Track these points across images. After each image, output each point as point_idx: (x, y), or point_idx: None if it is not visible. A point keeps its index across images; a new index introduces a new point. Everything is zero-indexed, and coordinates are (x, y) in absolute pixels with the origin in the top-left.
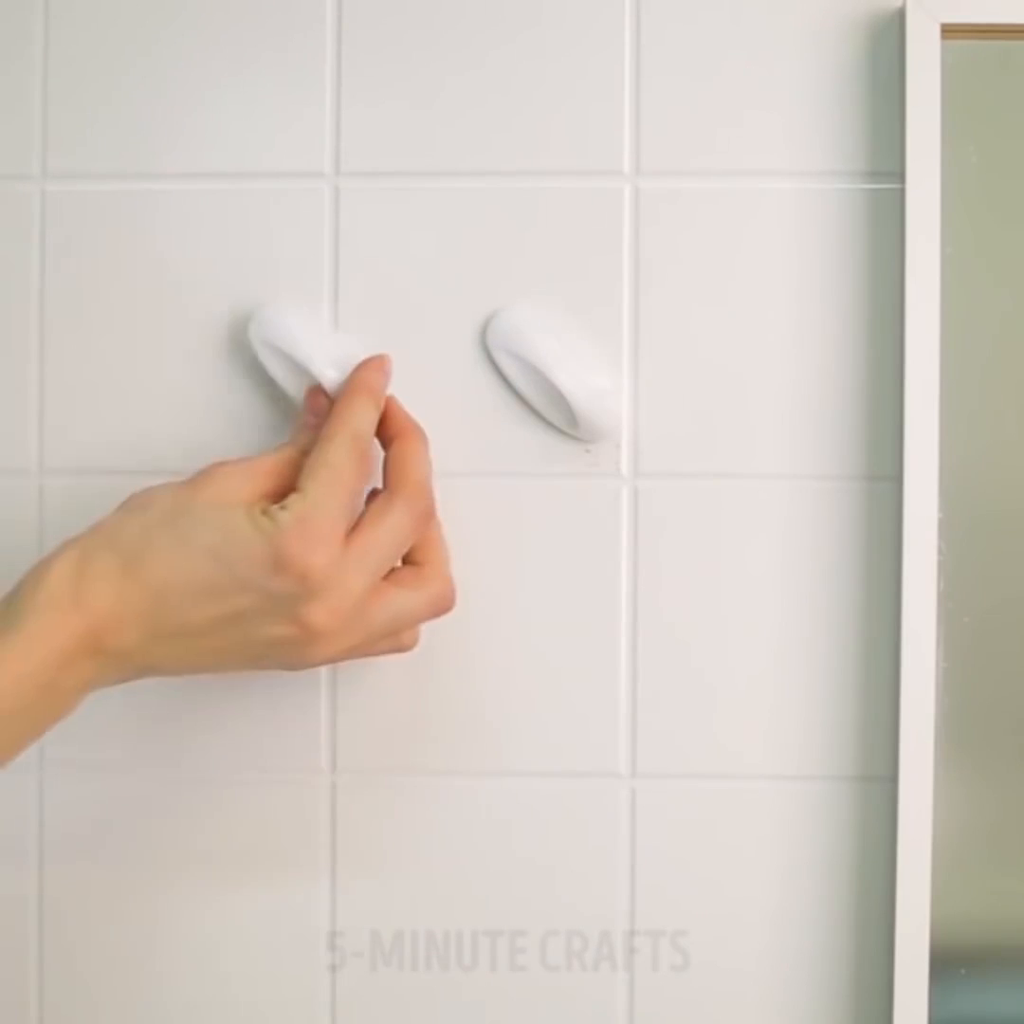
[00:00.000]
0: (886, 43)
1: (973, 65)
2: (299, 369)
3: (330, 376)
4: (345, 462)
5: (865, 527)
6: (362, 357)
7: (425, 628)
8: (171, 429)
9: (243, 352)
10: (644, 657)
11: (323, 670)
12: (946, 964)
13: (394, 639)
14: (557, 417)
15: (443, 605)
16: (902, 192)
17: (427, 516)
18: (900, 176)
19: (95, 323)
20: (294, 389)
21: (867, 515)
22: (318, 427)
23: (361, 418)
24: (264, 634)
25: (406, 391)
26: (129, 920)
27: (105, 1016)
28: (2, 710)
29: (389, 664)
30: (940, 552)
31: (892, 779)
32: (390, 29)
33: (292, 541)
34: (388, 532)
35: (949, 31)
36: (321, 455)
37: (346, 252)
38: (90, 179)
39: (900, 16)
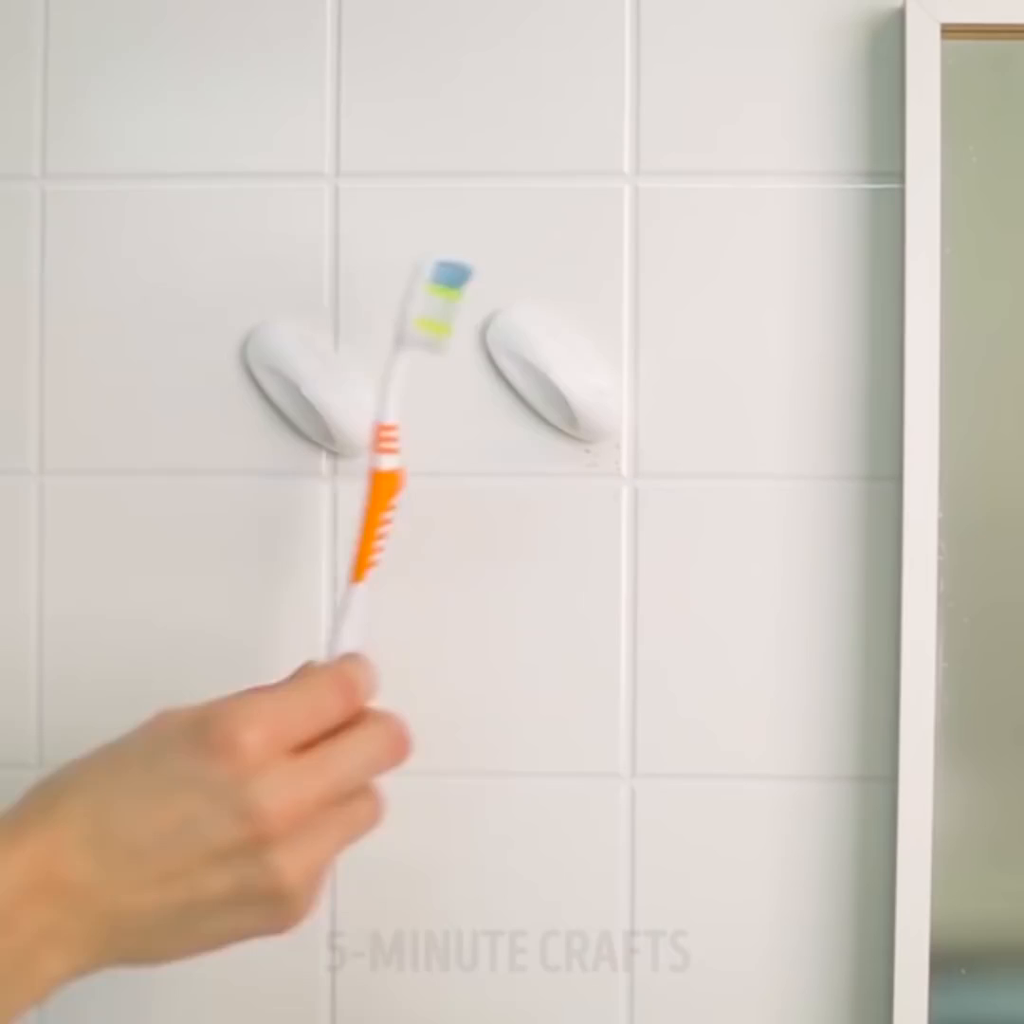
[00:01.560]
0: (886, 43)
1: (973, 65)
2: (293, 389)
3: (322, 398)
4: (319, 689)
5: (865, 527)
6: (355, 377)
7: (426, 628)
8: (171, 429)
9: (242, 352)
10: (644, 657)
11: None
12: (946, 964)
13: (350, 813)
14: (557, 417)
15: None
16: (902, 192)
17: (401, 747)
18: (900, 176)
19: (95, 323)
20: (289, 409)
21: (867, 515)
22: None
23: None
24: (216, 841)
25: (406, 390)
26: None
27: (105, 1015)
28: None
29: (389, 664)
30: (940, 552)
31: (892, 779)
32: (389, 31)
33: (217, 722)
34: (351, 746)
35: (949, 31)
36: (300, 680)
37: (346, 252)
38: (90, 179)
39: (900, 16)
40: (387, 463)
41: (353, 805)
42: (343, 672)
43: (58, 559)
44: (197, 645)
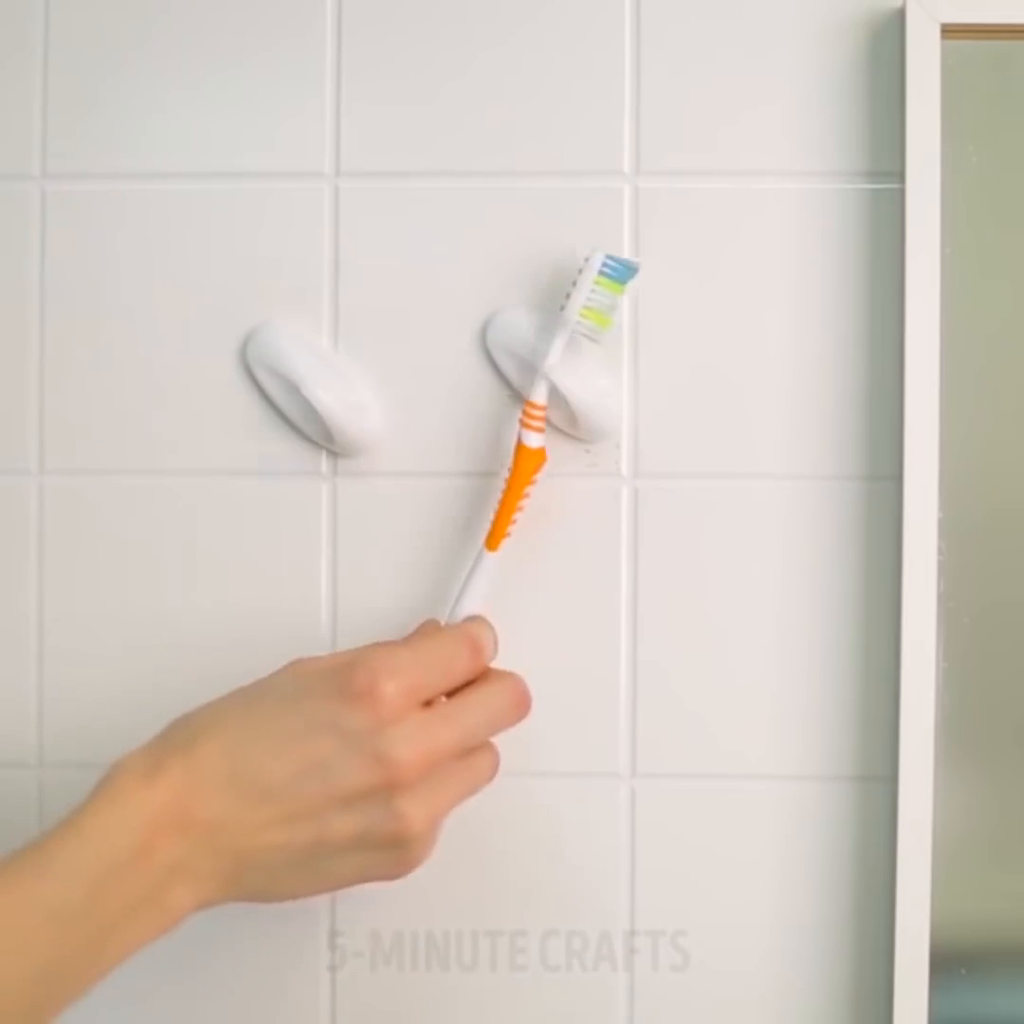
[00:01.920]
0: (886, 43)
1: (973, 65)
2: (293, 389)
3: (322, 398)
4: (452, 648)
5: (865, 527)
6: (355, 378)
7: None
8: (171, 428)
9: (242, 352)
10: (644, 657)
11: None
12: (946, 964)
13: (472, 766)
14: (557, 417)
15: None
16: (902, 192)
17: (524, 703)
18: (900, 176)
19: (95, 323)
20: (289, 409)
21: (867, 515)
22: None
23: (483, 636)
24: (347, 784)
25: (406, 391)
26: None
27: (104, 1015)
28: (81, 917)
29: None
30: (940, 552)
31: (892, 779)
32: (390, 30)
33: (360, 671)
34: (479, 701)
35: (949, 31)
36: (432, 637)
37: (346, 252)
38: (90, 179)
39: (900, 16)
40: (533, 440)
41: (475, 758)
42: (471, 632)
43: (58, 559)
44: (197, 645)
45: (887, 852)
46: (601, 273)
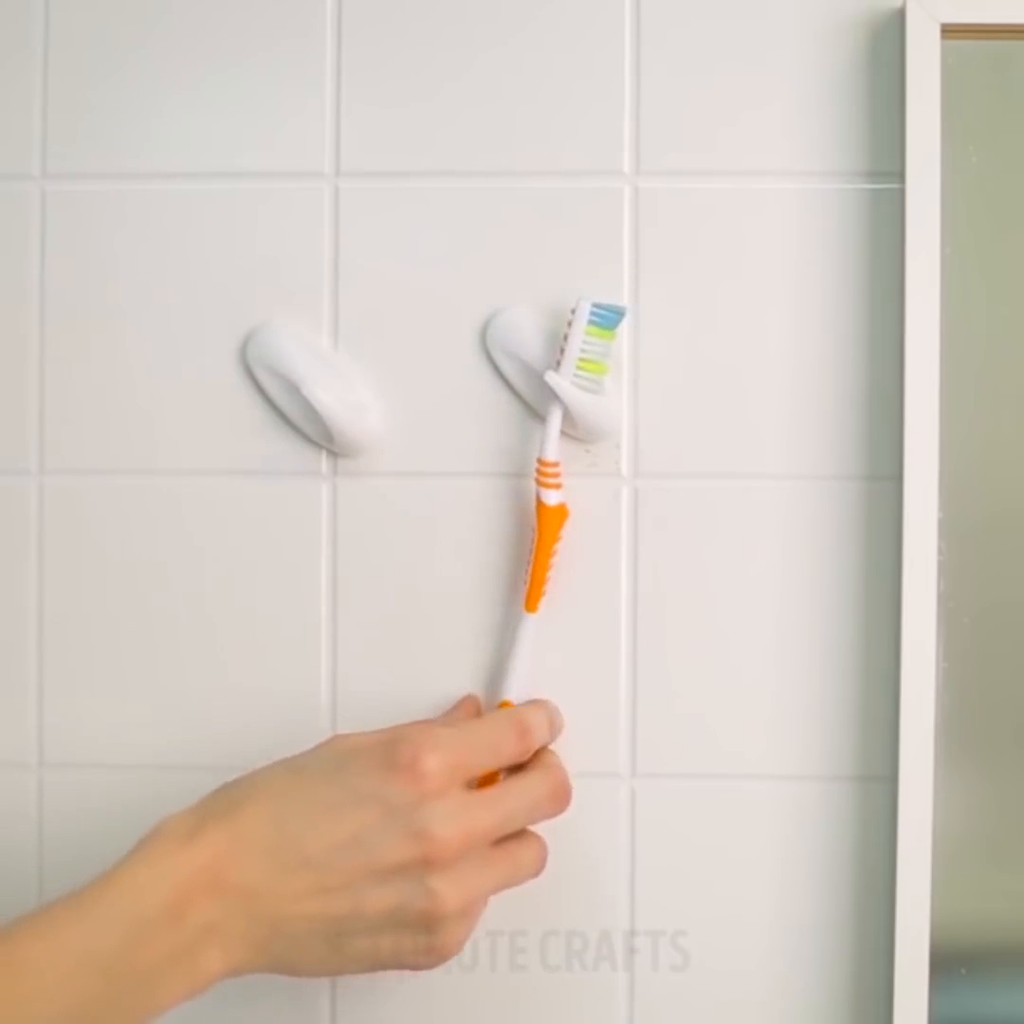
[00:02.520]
0: (886, 43)
1: (973, 65)
2: (293, 389)
3: (322, 398)
4: (499, 730)
5: (865, 527)
6: (355, 378)
7: (435, 625)
8: (171, 429)
9: (242, 352)
10: (644, 657)
11: (323, 662)
12: (946, 964)
13: (513, 856)
14: None
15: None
16: (902, 192)
17: (564, 796)
18: (900, 176)
19: (95, 323)
20: (289, 409)
21: (867, 515)
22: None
23: (536, 722)
24: (384, 858)
25: (406, 391)
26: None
27: None
28: (113, 967)
29: (388, 664)
30: (940, 552)
31: (892, 779)
32: (390, 30)
33: (404, 745)
34: (521, 788)
35: (949, 31)
36: (480, 719)
37: (346, 252)
38: (90, 179)
39: (900, 16)
40: (552, 498)
41: (518, 849)
42: (522, 716)
43: (58, 559)
44: (197, 644)
45: (887, 852)
46: (590, 322)
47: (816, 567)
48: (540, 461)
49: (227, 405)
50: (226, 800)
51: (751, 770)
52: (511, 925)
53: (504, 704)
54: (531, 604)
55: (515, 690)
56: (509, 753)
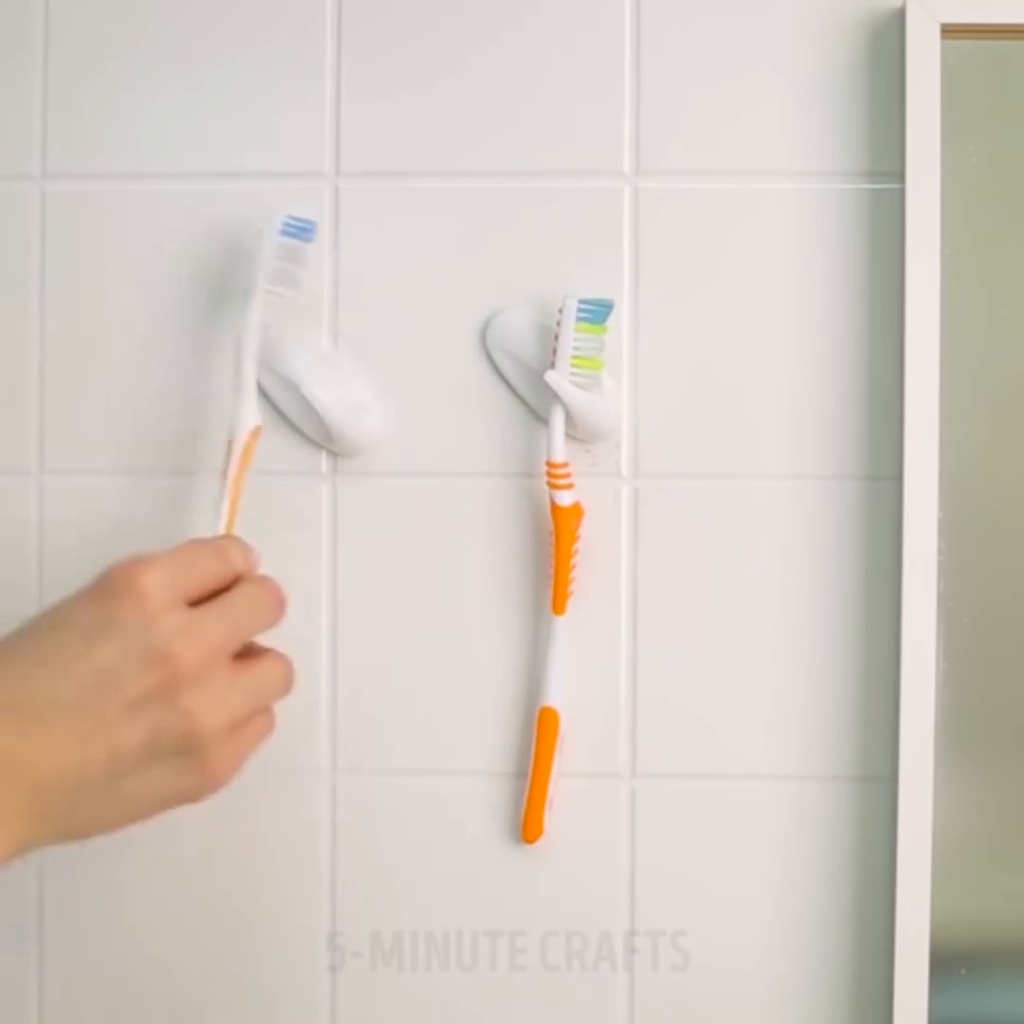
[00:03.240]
0: (886, 43)
1: (973, 65)
2: (293, 389)
3: (322, 398)
4: (197, 549)
5: (865, 527)
6: (355, 378)
7: (435, 625)
8: (171, 429)
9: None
10: (644, 657)
11: (323, 662)
12: (946, 964)
13: (259, 672)
14: None
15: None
16: (902, 192)
17: (280, 600)
18: (900, 176)
19: (95, 323)
20: (289, 409)
21: (867, 515)
22: None
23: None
24: (130, 689)
25: (406, 391)
26: (129, 920)
27: (104, 1014)
28: None
29: (389, 664)
30: (940, 552)
31: (892, 779)
32: (390, 30)
33: (116, 571)
34: (240, 596)
35: (949, 31)
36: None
37: (346, 252)
38: (90, 179)
39: (900, 16)
40: (565, 499)
41: (260, 665)
42: (214, 540)
43: (59, 559)
44: None
45: (887, 852)
46: (579, 319)
47: (816, 567)
48: (549, 463)
49: (226, 405)
50: None
51: (751, 770)
52: (511, 925)
53: (546, 709)
54: (558, 607)
55: (555, 695)
56: (213, 571)
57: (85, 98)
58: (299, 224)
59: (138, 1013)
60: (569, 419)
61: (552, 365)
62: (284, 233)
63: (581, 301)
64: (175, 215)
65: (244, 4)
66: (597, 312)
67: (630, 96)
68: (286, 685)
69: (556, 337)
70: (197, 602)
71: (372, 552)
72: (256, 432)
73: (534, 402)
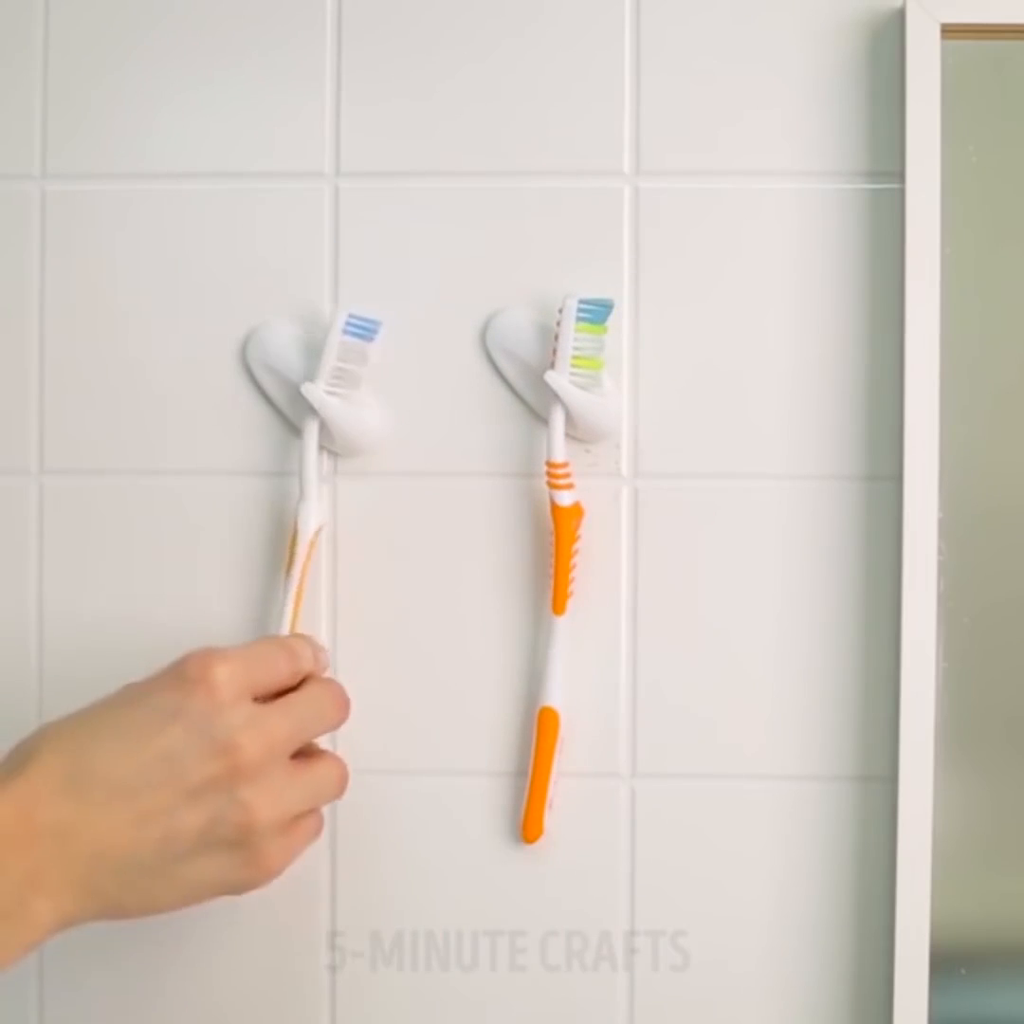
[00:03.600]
0: (886, 43)
1: (973, 65)
2: (293, 389)
3: (322, 398)
4: (271, 649)
5: (865, 527)
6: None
7: (434, 625)
8: (171, 428)
9: (242, 352)
10: (644, 657)
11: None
12: (946, 964)
13: (313, 774)
14: None
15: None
16: (902, 192)
17: (344, 704)
18: (900, 176)
19: (95, 323)
20: (289, 409)
21: (867, 515)
22: None
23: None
24: (193, 774)
25: (406, 391)
26: (128, 919)
27: (104, 1014)
28: None
29: (389, 664)
30: (940, 552)
31: (892, 779)
32: (390, 30)
33: (190, 660)
34: (306, 697)
35: (949, 31)
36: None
37: (346, 252)
38: (90, 179)
39: (900, 16)
40: (565, 499)
41: (318, 766)
42: (286, 641)
43: (58, 559)
44: (197, 644)
45: (887, 852)
46: (579, 319)
47: (816, 567)
48: (549, 463)
49: (227, 405)
50: (22, 749)
51: (751, 770)
52: (511, 925)
53: (546, 709)
54: (558, 607)
55: (555, 695)
56: (283, 670)
57: (85, 98)
58: (363, 324)
59: (136, 1011)
60: (569, 419)
61: (552, 365)
62: (347, 332)
63: (581, 301)
64: (175, 215)
65: (244, 4)
66: (597, 312)
67: (630, 96)
68: (340, 788)
69: (556, 337)
70: (265, 698)
71: (372, 552)
72: (319, 530)
73: (534, 402)
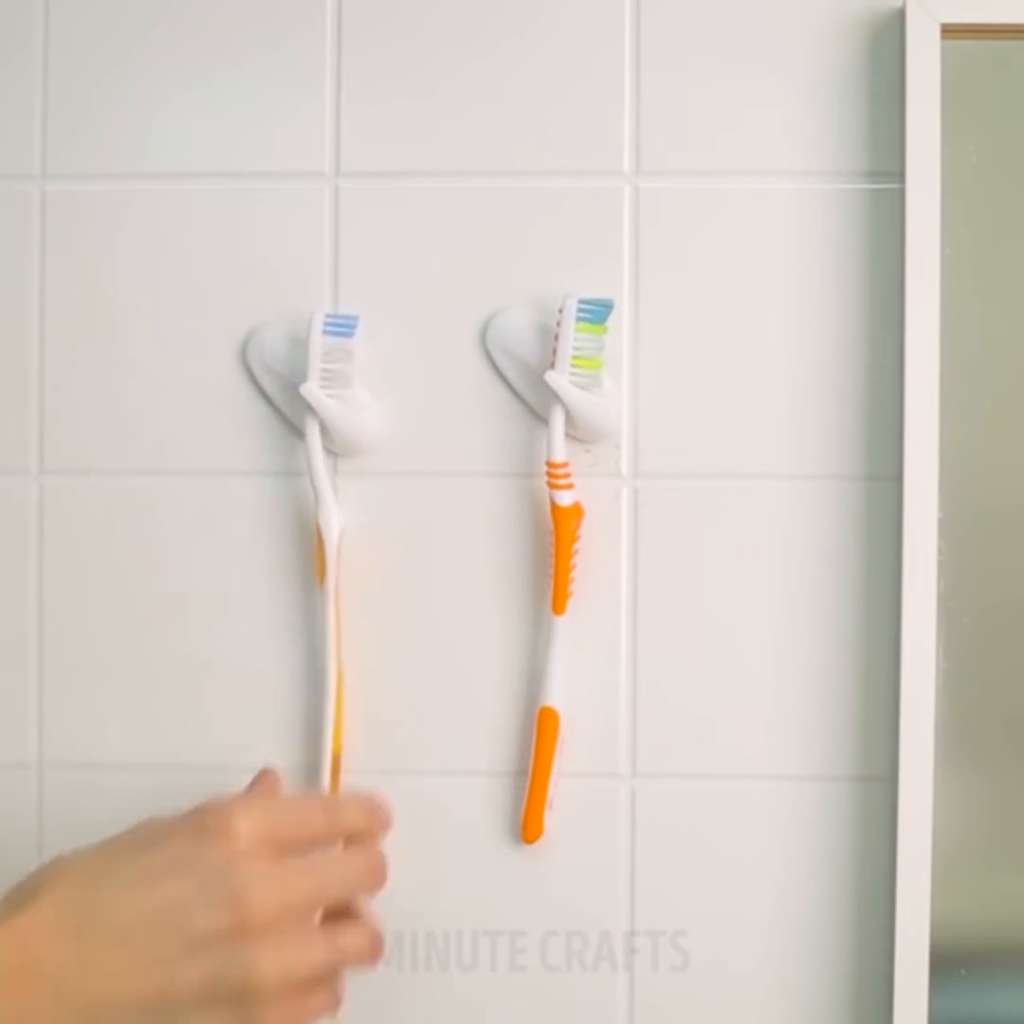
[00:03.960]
0: (886, 43)
1: (973, 65)
2: (293, 389)
3: (322, 398)
4: (305, 803)
5: (865, 527)
6: (353, 378)
7: (434, 625)
8: (171, 428)
9: (242, 352)
10: (644, 657)
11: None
12: (946, 964)
13: (332, 940)
14: None
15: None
16: (902, 192)
17: (379, 873)
18: (900, 176)
19: (95, 323)
20: (289, 409)
21: (867, 515)
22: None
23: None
24: (197, 927)
25: (406, 391)
26: None
27: None
28: None
29: (388, 664)
30: (940, 552)
31: (892, 779)
32: (390, 30)
33: (213, 809)
34: (336, 858)
35: (949, 31)
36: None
37: (346, 252)
38: (90, 179)
39: (900, 16)
40: (565, 499)
41: (342, 932)
42: (333, 797)
43: (58, 559)
44: (197, 644)
45: (887, 852)
46: (579, 319)
47: (816, 567)
48: (549, 463)
49: (227, 405)
50: (28, 884)
51: (751, 770)
52: (511, 925)
53: (546, 709)
54: (558, 607)
55: (555, 695)
56: (315, 827)
57: (85, 98)
58: (340, 322)
59: None
60: (569, 419)
61: (552, 365)
62: (327, 332)
63: (581, 301)
64: (175, 215)
65: (244, 5)
66: (597, 312)
67: (630, 96)
68: (370, 956)
69: (556, 337)
70: (297, 853)
71: (372, 552)
72: (342, 533)
73: (534, 402)
